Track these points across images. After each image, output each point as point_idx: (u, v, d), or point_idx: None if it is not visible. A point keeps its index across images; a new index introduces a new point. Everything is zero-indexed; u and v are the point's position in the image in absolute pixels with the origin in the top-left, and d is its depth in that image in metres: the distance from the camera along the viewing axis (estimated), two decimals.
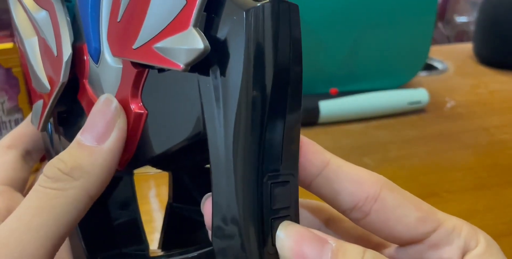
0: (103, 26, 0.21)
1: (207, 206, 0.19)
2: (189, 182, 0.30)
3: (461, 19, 1.19)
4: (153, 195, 0.50)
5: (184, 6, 0.17)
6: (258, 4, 0.17)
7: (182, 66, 0.17)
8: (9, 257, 0.18)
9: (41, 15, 0.23)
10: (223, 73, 0.18)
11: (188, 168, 0.29)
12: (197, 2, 0.17)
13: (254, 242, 0.18)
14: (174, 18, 0.17)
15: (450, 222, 0.20)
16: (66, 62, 0.21)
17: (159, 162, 0.22)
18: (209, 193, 0.20)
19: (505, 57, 0.87)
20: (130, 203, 0.28)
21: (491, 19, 0.87)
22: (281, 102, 0.18)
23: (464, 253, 0.20)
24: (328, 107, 0.65)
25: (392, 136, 0.64)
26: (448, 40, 1.20)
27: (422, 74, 0.84)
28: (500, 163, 0.58)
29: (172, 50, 0.18)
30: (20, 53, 0.25)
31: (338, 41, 0.66)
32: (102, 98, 0.21)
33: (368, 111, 0.68)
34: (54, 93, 0.22)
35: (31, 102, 0.46)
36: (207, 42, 0.17)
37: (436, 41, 1.12)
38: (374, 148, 0.61)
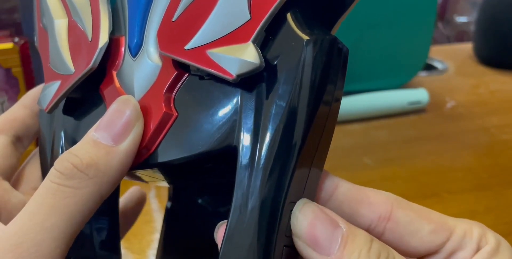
0: (152, 22, 0.21)
1: (220, 234, 0.19)
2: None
3: (461, 19, 1.19)
4: (153, 195, 0.50)
5: (247, 21, 0.18)
6: (319, 36, 0.18)
7: (234, 75, 0.18)
8: (25, 258, 0.18)
9: (81, 0, 0.23)
10: (268, 96, 0.18)
11: (192, 183, 0.29)
12: (262, 21, 0.17)
13: None
14: (235, 30, 0.18)
15: (460, 227, 0.20)
16: (101, 48, 0.22)
17: (170, 169, 0.22)
18: (222, 222, 0.20)
19: (505, 57, 0.87)
20: (112, 210, 0.27)
21: (491, 19, 0.87)
22: (317, 134, 0.18)
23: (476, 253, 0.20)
24: None
25: (392, 136, 0.64)
26: (448, 40, 1.20)
27: (422, 74, 0.84)
28: (501, 163, 0.58)
29: (226, 59, 0.18)
30: (39, 32, 0.25)
31: None
32: (122, 98, 0.21)
33: (368, 111, 0.68)
34: (78, 76, 0.22)
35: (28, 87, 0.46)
36: (263, 59, 0.17)
37: (436, 41, 1.12)
38: (374, 148, 0.61)
